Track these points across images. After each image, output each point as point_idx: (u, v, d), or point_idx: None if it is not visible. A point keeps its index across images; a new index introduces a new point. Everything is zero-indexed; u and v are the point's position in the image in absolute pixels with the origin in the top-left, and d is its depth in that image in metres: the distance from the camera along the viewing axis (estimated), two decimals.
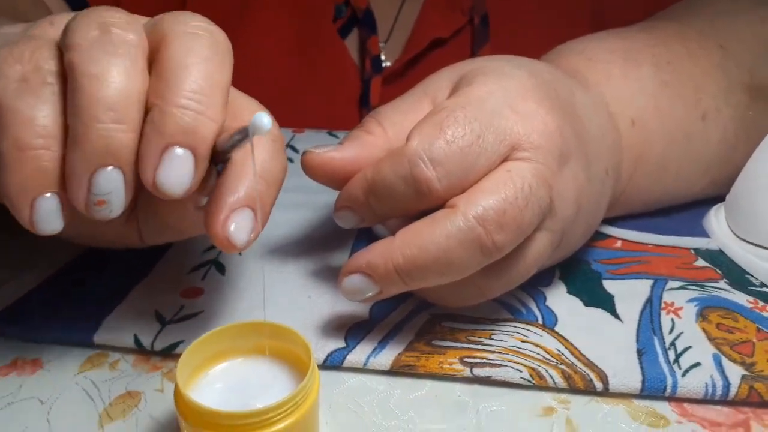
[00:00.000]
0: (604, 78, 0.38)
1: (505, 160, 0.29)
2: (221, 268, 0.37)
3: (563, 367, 0.30)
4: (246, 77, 0.59)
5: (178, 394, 0.24)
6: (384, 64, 0.58)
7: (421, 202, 0.29)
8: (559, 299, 0.35)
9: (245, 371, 0.27)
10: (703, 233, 0.41)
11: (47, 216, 0.24)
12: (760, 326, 0.33)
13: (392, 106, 0.33)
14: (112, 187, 0.24)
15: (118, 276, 0.36)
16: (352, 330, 0.32)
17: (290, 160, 0.51)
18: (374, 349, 0.31)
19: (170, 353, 0.31)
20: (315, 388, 0.25)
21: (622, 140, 0.37)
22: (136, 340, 0.31)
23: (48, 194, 0.24)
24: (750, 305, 0.35)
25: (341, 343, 0.31)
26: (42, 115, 0.24)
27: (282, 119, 0.48)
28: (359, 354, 0.31)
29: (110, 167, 0.24)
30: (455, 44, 0.58)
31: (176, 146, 0.24)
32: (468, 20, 0.58)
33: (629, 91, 0.38)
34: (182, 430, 0.25)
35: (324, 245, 0.40)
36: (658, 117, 0.38)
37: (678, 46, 0.41)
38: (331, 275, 0.37)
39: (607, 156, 0.34)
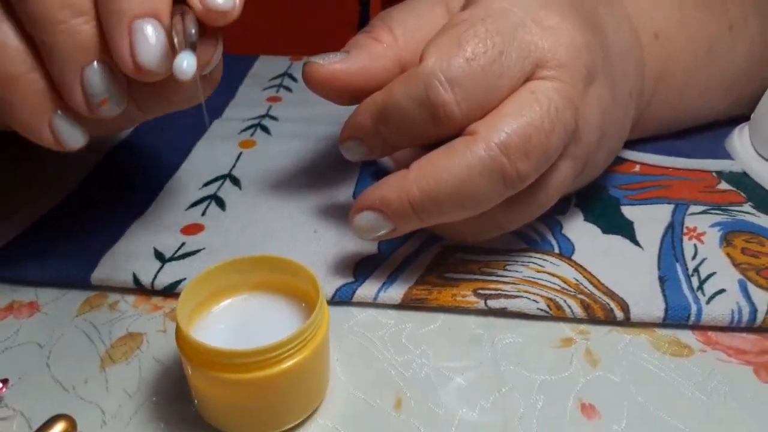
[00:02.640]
0: None
1: (528, 78, 0.27)
2: (221, 204, 0.36)
3: (582, 296, 0.29)
4: None
5: (179, 334, 0.23)
6: None
7: (438, 129, 0.27)
8: (576, 227, 0.34)
9: (250, 308, 0.26)
10: (726, 155, 0.39)
11: (68, 131, 0.24)
12: None
13: (403, 11, 0.30)
14: (106, 82, 0.23)
15: (114, 214, 0.34)
16: (360, 264, 0.31)
17: (288, 89, 0.49)
18: (384, 283, 0.30)
19: (171, 292, 0.30)
20: (325, 323, 0.24)
21: (645, 56, 0.34)
22: (135, 279, 0.30)
23: (58, 111, 0.23)
24: None
25: (350, 278, 0.30)
26: (8, 38, 0.22)
27: (276, 42, 0.45)
28: (369, 288, 0.29)
29: (93, 63, 0.23)
30: None
31: (140, 19, 0.22)
32: None
33: (653, 2, 0.35)
34: (186, 370, 0.24)
35: (328, 178, 0.38)
36: (682, 29, 0.36)
37: None
38: (337, 209, 0.35)
39: (631, 76, 0.32)
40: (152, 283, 0.30)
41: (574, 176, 0.29)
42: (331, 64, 0.29)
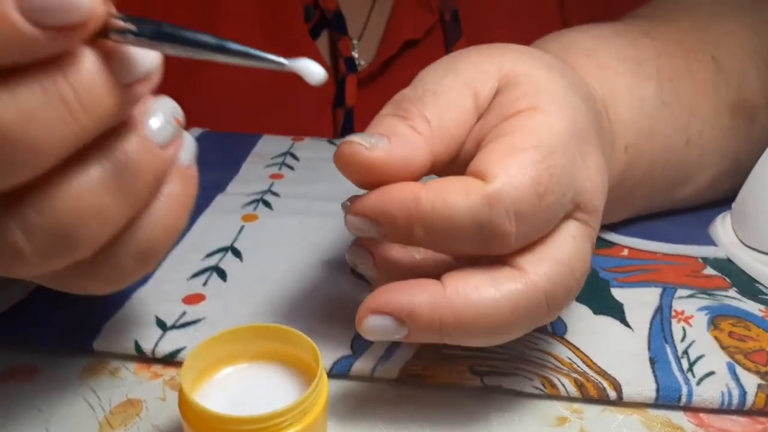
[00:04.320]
0: (611, 94, 0.36)
1: (566, 215, 0.27)
2: (223, 275, 0.37)
3: (575, 375, 0.29)
4: (214, 78, 0.57)
5: (182, 399, 0.23)
6: (358, 62, 0.57)
7: (482, 250, 0.25)
8: (568, 307, 0.35)
9: (251, 376, 0.26)
10: (710, 241, 0.41)
11: None
12: None
13: (435, 98, 0.28)
14: None
15: None
16: (358, 337, 0.31)
17: (290, 167, 0.51)
18: (381, 357, 0.30)
19: (172, 360, 0.30)
20: (324, 393, 0.25)
21: (613, 165, 0.35)
22: (137, 346, 0.30)
23: None
24: (761, 314, 0.34)
25: (348, 351, 0.31)
26: None
27: (250, 122, 0.45)
28: (366, 362, 0.30)
29: None
30: (428, 43, 0.57)
31: None
32: (438, 17, 0.57)
33: (632, 114, 0.36)
34: None
35: (329, 252, 0.39)
36: (649, 143, 0.37)
37: (679, 60, 0.40)
38: (335, 283, 0.36)
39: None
40: (153, 350, 0.30)
41: None
42: (374, 152, 0.25)
